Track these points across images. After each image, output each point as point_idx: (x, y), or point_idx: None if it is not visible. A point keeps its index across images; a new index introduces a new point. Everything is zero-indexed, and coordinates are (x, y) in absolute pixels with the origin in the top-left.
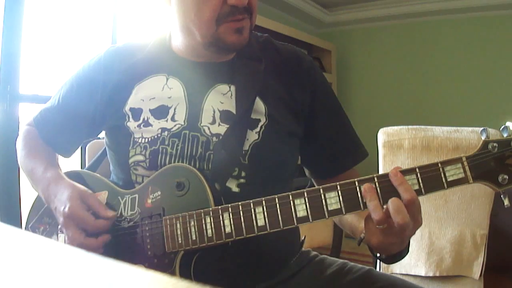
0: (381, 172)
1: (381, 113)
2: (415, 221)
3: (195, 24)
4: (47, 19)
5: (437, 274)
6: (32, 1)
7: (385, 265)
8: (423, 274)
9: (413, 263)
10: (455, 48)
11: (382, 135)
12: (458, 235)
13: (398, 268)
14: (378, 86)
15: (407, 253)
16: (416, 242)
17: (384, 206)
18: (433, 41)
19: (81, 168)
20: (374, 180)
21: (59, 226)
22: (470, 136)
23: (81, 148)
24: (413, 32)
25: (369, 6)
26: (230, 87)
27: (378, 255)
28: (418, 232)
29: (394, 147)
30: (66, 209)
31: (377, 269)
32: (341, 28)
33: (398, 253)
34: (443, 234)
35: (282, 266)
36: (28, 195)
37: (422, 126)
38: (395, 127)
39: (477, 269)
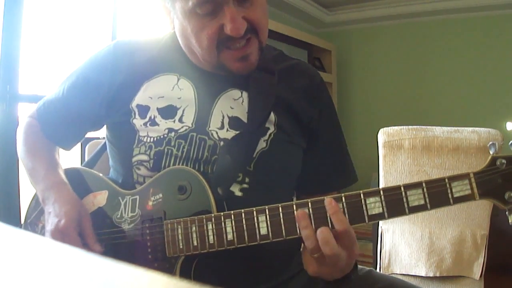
0: (381, 173)
1: (381, 113)
2: (349, 251)
3: (197, 50)
4: (47, 18)
5: (438, 275)
6: (32, 1)
7: (386, 265)
8: (423, 275)
9: (413, 264)
10: (455, 48)
11: (382, 135)
12: (458, 235)
13: (398, 269)
14: (378, 86)
15: (354, 275)
16: (417, 243)
17: None
18: (433, 41)
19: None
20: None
21: (46, 229)
22: (471, 136)
23: (81, 148)
24: (413, 32)
25: (369, 6)
26: (242, 93)
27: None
28: (418, 232)
29: (394, 147)
30: (60, 224)
31: (378, 269)
32: (341, 28)
33: (344, 277)
34: (443, 234)
35: (283, 268)
36: (27, 195)
37: (423, 126)
38: (395, 127)
39: (477, 270)
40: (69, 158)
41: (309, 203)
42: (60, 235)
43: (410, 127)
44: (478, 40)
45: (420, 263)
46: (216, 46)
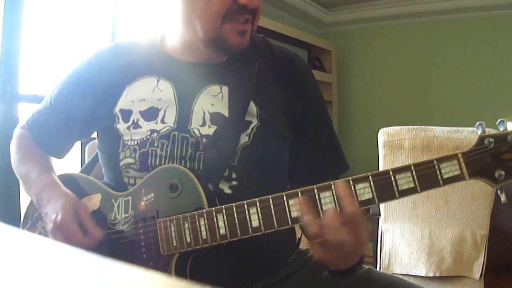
0: None
1: (381, 113)
2: (356, 237)
3: (200, 17)
4: (47, 18)
5: (437, 275)
6: (32, 1)
7: (386, 265)
8: (423, 274)
9: (413, 263)
10: (455, 48)
11: (382, 135)
12: (458, 235)
13: (398, 268)
14: (378, 86)
15: (360, 269)
16: (417, 242)
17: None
18: (433, 41)
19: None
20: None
21: (46, 229)
22: (471, 136)
23: (81, 148)
24: (413, 32)
25: (369, 6)
26: (221, 88)
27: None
28: (418, 232)
29: (394, 147)
30: (58, 218)
31: (377, 268)
32: (341, 28)
33: (348, 269)
34: (443, 234)
35: (280, 265)
36: (27, 195)
37: (423, 126)
38: (395, 127)
39: (477, 270)
40: (69, 158)
41: (299, 193)
42: (60, 230)
43: (410, 127)
44: (478, 40)
45: (420, 263)
46: (223, 15)
